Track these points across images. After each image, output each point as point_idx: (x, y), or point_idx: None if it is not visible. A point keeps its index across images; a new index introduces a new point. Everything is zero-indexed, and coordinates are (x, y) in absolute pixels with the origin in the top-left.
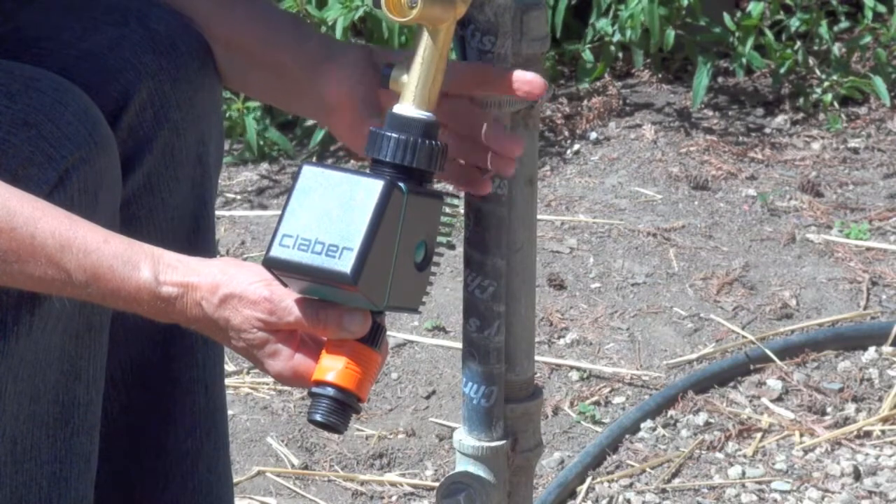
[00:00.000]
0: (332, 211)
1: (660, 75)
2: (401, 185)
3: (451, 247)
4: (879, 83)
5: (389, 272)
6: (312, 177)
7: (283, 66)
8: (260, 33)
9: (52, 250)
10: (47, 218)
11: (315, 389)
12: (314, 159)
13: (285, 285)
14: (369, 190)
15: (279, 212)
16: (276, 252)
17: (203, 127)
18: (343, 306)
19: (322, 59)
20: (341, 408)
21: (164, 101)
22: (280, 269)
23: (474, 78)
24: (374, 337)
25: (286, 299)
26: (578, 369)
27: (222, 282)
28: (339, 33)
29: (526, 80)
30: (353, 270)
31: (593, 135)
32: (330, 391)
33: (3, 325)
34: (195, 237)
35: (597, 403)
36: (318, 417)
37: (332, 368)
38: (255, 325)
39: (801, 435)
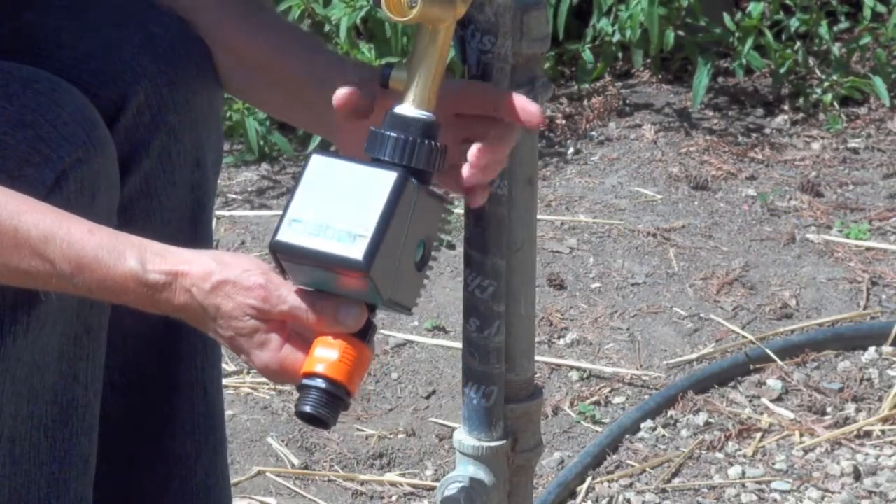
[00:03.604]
0: (343, 198)
1: (660, 75)
2: (412, 178)
3: (452, 247)
4: (879, 83)
5: (396, 265)
6: (322, 165)
7: (292, 79)
8: (271, 45)
9: (35, 241)
10: (31, 211)
11: (305, 381)
12: None
13: (284, 274)
14: (382, 179)
15: (280, 212)
16: (284, 236)
17: (201, 130)
18: (339, 299)
19: (333, 78)
20: (332, 400)
21: (161, 104)
22: (287, 253)
23: (474, 99)
24: (366, 333)
25: (280, 288)
26: (578, 369)
27: (215, 269)
28: (342, 33)
29: (527, 109)
30: (366, 257)
31: (593, 135)
32: (321, 383)
33: (0, 327)
34: (193, 241)
35: (597, 403)
36: (307, 409)
37: (323, 360)
38: (248, 313)
39: (801, 435)
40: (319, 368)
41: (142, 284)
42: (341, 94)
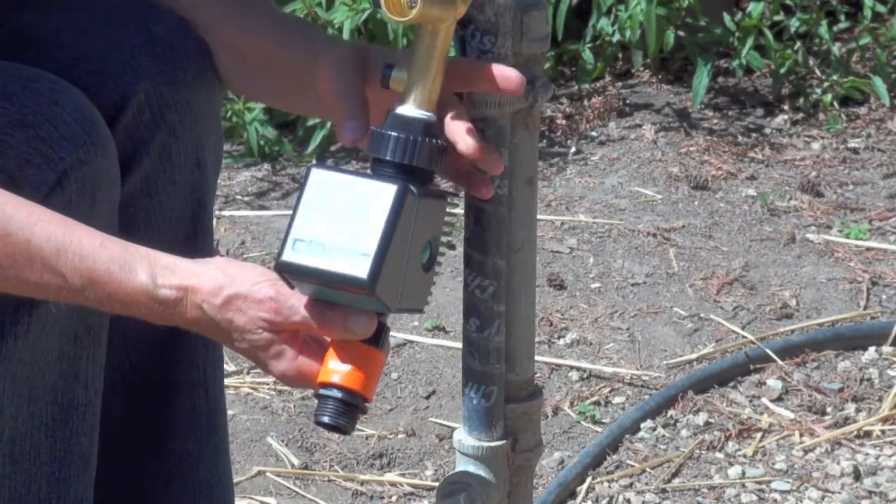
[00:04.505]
0: (344, 215)
1: (660, 75)
2: (412, 188)
3: (452, 247)
4: (879, 83)
5: (402, 275)
6: (321, 180)
7: (292, 65)
8: (273, 39)
9: (48, 255)
10: (43, 223)
11: (322, 391)
12: (313, 160)
13: (292, 287)
14: (382, 194)
15: (279, 212)
16: (289, 256)
17: (201, 130)
18: (348, 307)
19: (333, 61)
20: (348, 409)
21: (161, 103)
22: (293, 273)
23: (460, 75)
24: (379, 337)
25: (291, 299)
26: (578, 369)
27: (225, 283)
28: (346, 35)
29: (504, 75)
30: (371, 275)
31: (593, 135)
32: (337, 393)
33: (1, 327)
34: (193, 240)
35: (597, 403)
36: (325, 419)
37: (338, 370)
38: (261, 326)
39: (801, 435)
40: (335, 379)
41: (153, 300)
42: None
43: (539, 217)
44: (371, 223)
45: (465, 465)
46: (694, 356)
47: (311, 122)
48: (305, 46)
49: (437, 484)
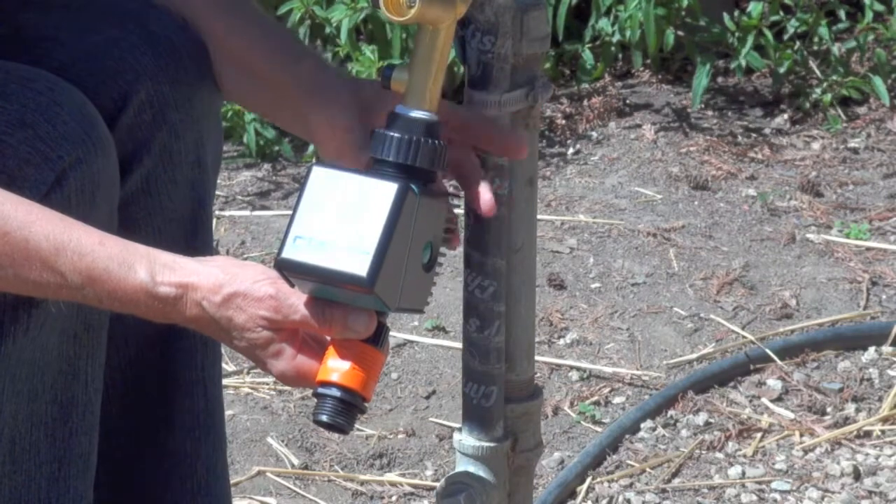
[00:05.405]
0: (344, 213)
1: (659, 75)
2: (413, 187)
3: (452, 247)
4: (879, 83)
5: (402, 274)
6: (323, 178)
7: (279, 83)
8: (260, 48)
9: (46, 254)
10: (41, 222)
11: (320, 390)
12: (313, 160)
13: (292, 285)
14: (383, 192)
15: (279, 212)
16: (289, 254)
17: (201, 129)
18: (349, 306)
19: (315, 87)
20: (347, 408)
21: (162, 102)
22: (293, 270)
23: (471, 133)
24: (379, 337)
25: (291, 297)
26: (578, 369)
27: (225, 281)
28: (343, 34)
29: (511, 142)
30: (370, 273)
31: (593, 135)
32: (335, 392)
33: (1, 326)
34: (193, 239)
35: (597, 403)
36: (324, 418)
37: (338, 369)
38: (260, 324)
39: (801, 435)
40: (334, 377)
41: (152, 297)
42: None
43: (539, 217)
44: (371, 221)
45: (465, 465)
46: (694, 356)
47: None
48: (294, 68)
49: (437, 484)
